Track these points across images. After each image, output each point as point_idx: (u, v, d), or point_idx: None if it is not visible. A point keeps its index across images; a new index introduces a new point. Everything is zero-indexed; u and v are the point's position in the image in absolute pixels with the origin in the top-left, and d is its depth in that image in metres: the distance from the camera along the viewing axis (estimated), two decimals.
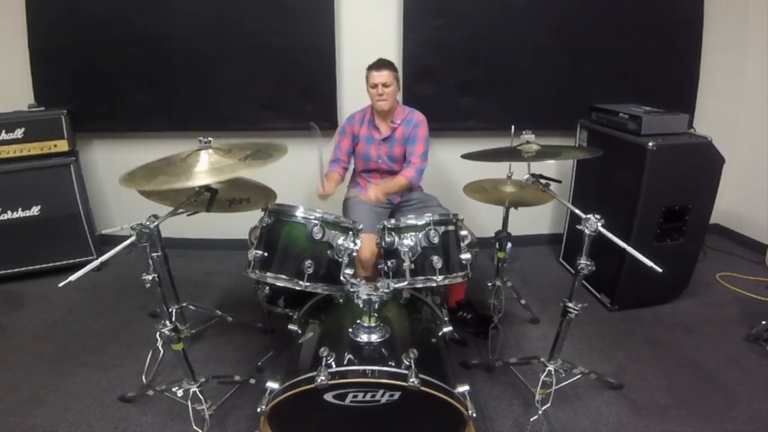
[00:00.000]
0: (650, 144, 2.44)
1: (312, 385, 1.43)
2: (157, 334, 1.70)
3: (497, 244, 2.55)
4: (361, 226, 1.96)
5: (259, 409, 1.52)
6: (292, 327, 1.87)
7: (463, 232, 1.98)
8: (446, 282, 1.93)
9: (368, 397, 1.49)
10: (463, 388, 1.57)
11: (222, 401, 2.04)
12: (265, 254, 1.85)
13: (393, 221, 1.96)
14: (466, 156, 2.15)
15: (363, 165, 2.71)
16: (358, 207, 2.59)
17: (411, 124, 2.62)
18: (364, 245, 2.01)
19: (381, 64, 2.52)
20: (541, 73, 3.29)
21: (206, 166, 1.66)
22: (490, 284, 2.61)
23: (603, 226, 1.66)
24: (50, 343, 2.50)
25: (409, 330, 1.91)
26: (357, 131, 2.65)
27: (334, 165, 2.67)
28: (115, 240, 1.54)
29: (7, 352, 2.43)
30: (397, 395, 1.49)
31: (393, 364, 1.53)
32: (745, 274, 3.18)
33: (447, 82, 3.27)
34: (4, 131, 2.98)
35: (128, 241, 1.51)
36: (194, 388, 1.83)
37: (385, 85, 2.49)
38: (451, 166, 2.78)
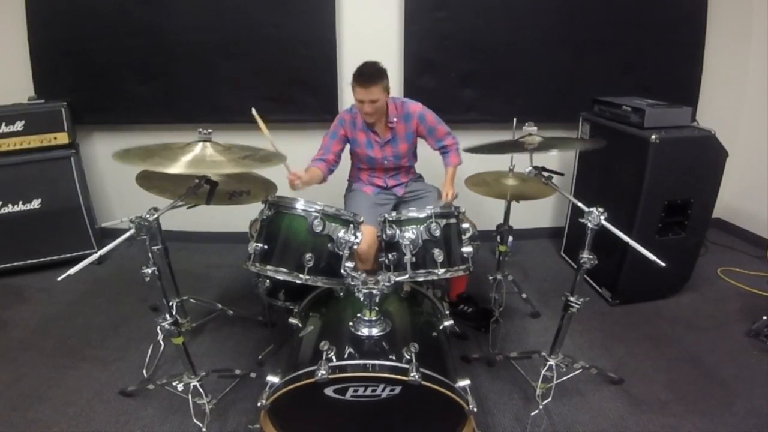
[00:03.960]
0: (653, 137, 2.42)
1: (312, 380, 1.43)
2: (158, 327, 1.69)
3: (498, 237, 2.54)
4: (362, 219, 1.95)
5: (259, 404, 1.51)
6: (292, 320, 1.87)
7: (465, 225, 1.97)
8: (448, 275, 1.92)
9: (369, 391, 1.49)
10: (463, 383, 1.57)
11: (222, 395, 2.05)
12: (266, 247, 1.84)
13: (394, 214, 1.95)
14: (469, 150, 2.14)
15: (367, 165, 2.63)
16: (359, 199, 2.58)
17: (411, 117, 2.51)
18: (363, 238, 2.00)
19: (369, 79, 2.24)
20: (544, 65, 3.27)
21: (201, 157, 1.68)
22: (491, 278, 2.61)
23: (606, 219, 1.65)
24: (51, 337, 2.50)
25: (410, 324, 1.91)
26: (351, 135, 2.52)
27: (317, 162, 2.47)
28: (116, 233, 1.53)
29: (7, 346, 2.43)
30: (397, 389, 1.49)
31: (394, 358, 1.53)
32: (747, 269, 3.17)
33: (449, 74, 3.25)
34: (4, 124, 2.96)
35: (127, 234, 1.51)
36: (195, 382, 1.82)
37: (372, 102, 2.28)
38: None
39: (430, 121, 2.54)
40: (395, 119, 2.50)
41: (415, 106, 2.52)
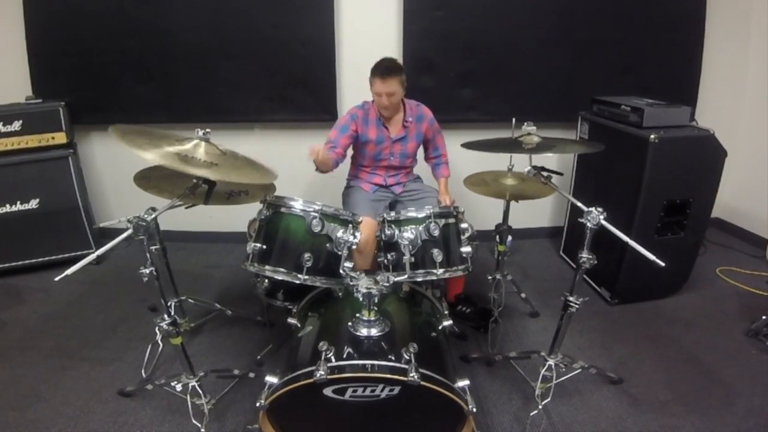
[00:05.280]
0: (652, 137, 2.42)
1: (311, 380, 1.42)
2: (156, 328, 1.69)
3: (497, 237, 2.54)
4: (361, 219, 1.94)
5: (258, 404, 1.51)
6: (291, 320, 1.86)
7: (464, 225, 1.97)
8: (447, 275, 1.92)
9: (368, 391, 1.48)
10: (463, 383, 1.56)
11: (221, 395, 2.04)
12: (264, 247, 1.84)
13: (393, 214, 1.94)
14: (466, 145, 2.12)
15: (372, 162, 2.62)
16: (357, 196, 2.58)
17: (424, 119, 2.59)
18: (363, 230, 1.97)
19: (388, 71, 2.32)
20: (543, 65, 3.27)
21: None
22: (490, 277, 2.60)
23: (605, 219, 1.65)
24: (49, 337, 2.50)
25: (409, 324, 1.90)
26: (362, 131, 2.51)
27: (329, 152, 2.38)
28: (114, 233, 1.53)
29: (5, 346, 2.42)
30: (396, 390, 1.48)
31: (393, 358, 1.52)
32: (746, 269, 3.17)
33: (448, 74, 3.24)
34: (1, 124, 2.95)
35: (125, 235, 1.50)
36: (193, 383, 1.82)
37: (390, 95, 2.34)
38: (451, 158, 2.76)
39: (437, 128, 2.67)
40: (411, 119, 2.55)
41: (428, 110, 2.63)
